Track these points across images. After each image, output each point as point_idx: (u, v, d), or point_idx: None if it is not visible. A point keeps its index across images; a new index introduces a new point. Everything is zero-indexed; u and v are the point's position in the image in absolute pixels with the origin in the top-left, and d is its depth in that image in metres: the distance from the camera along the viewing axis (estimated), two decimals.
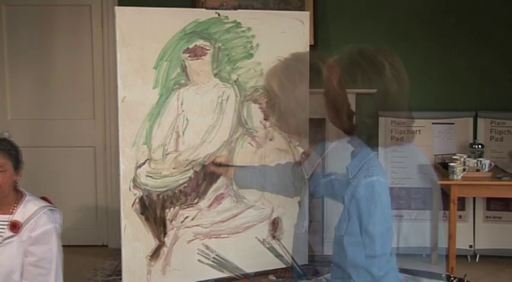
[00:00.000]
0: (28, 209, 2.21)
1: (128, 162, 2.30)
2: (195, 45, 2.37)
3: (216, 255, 1.82)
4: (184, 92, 2.37)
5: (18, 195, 2.25)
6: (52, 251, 2.22)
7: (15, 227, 2.18)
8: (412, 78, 4.09)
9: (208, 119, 2.42)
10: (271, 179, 2.19)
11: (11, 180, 2.20)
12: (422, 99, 4.15)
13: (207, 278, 2.44)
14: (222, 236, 2.47)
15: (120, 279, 2.38)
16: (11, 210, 2.21)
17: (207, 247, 1.84)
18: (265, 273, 2.47)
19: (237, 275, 1.80)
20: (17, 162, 2.22)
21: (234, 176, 2.28)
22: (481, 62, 4.11)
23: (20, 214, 2.20)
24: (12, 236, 2.18)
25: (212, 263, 1.81)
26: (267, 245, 1.98)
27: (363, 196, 1.56)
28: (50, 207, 2.26)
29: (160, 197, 2.36)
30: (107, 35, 4.10)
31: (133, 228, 2.33)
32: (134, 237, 2.33)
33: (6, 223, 2.19)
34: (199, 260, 1.82)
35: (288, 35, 2.50)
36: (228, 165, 2.32)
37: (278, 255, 2.58)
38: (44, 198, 2.35)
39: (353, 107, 1.80)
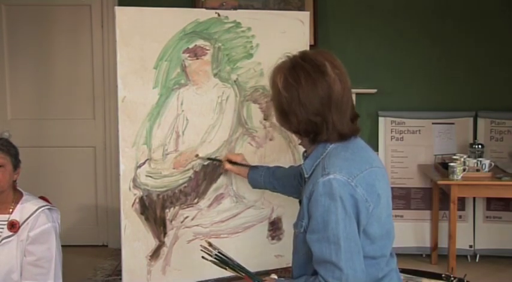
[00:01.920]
0: (26, 208, 2.22)
1: (128, 162, 2.30)
2: (195, 45, 2.37)
3: (219, 252, 1.81)
4: (184, 92, 2.37)
5: (16, 195, 2.25)
6: (51, 250, 2.22)
7: (13, 226, 2.18)
8: (412, 78, 4.15)
9: (208, 119, 2.41)
10: (283, 180, 2.17)
11: (10, 178, 2.20)
12: (422, 99, 4.15)
13: (207, 278, 2.44)
14: (222, 236, 2.47)
15: (120, 279, 2.38)
16: (9, 209, 2.22)
17: (210, 244, 1.83)
18: (265, 273, 2.47)
19: (240, 273, 1.78)
20: (16, 161, 2.22)
21: (247, 176, 2.27)
22: (481, 62, 4.12)
23: (18, 213, 2.20)
24: (10, 236, 2.18)
25: (215, 260, 1.79)
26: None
27: (318, 194, 1.53)
28: (48, 207, 2.26)
29: (160, 197, 2.36)
30: (107, 35, 4.11)
31: (133, 228, 2.33)
32: (134, 237, 2.33)
33: (4, 223, 2.19)
34: (202, 257, 1.80)
35: (288, 35, 2.50)
36: (243, 165, 2.32)
37: (278, 255, 2.58)
38: (42, 198, 2.35)
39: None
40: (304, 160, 1.71)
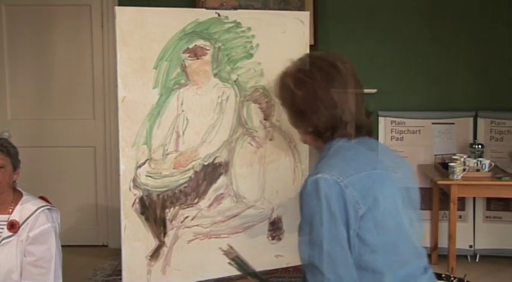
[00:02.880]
0: (26, 208, 2.21)
1: (128, 162, 2.30)
2: (195, 45, 2.37)
3: (236, 256, 1.82)
4: (184, 92, 2.37)
5: (16, 195, 2.25)
6: (51, 250, 2.21)
7: (13, 226, 2.18)
8: (412, 78, 4.15)
9: (208, 119, 2.41)
10: None
11: (10, 178, 2.20)
12: (422, 99, 4.15)
13: (207, 278, 2.45)
14: (222, 236, 2.47)
15: (120, 279, 2.38)
16: (9, 210, 2.21)
17: (231, 248, 1.84)
18: (265, 273, 2.47)
19: (254, 279, 1.80)
20: (15, 161, 2.22)
21: None
22: (481, 62, 4.12)
23: (18, 214, 2.20)
24: (10, 236, 2.18)
25: (233, 264, 1.81)
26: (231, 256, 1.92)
27: (305, 194, 1.48)
28: (48, 207, 2.26)
29: (160, 197, 2.36)
30: (107, 35, 4.11)
31: (133, 228, 2.33)
32: (134, 237, 2.33)
33: (4, 223, 2.19)
34: (229, 263, 1.83)
35: (288, 35, 2.50)
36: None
37: (278, 255, 2.58)
38: (42, 198, 2.34)
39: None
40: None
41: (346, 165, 1.51)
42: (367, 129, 1.61)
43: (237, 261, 1.82)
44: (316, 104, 1.54)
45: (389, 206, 1.52)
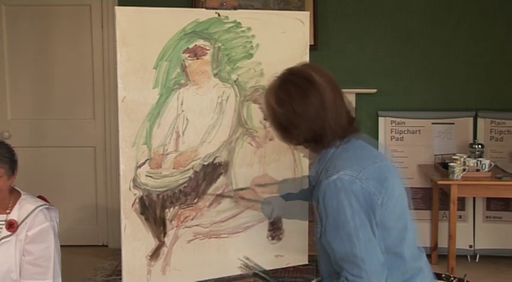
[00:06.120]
0: (24, 208, 2.21)
1: (128, 162, 2.30)
2: (195, 45, 2.37)
3: (256, 272, 1.87)
4: (184, 92, 2.37)
5: (14, 195, 2.24)
6: (49, 249, 2.21)
7: (11, 226, 2.17)
8: (412, 78, 4.15)
9: (208, 119, 2.42)
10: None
11: (7, 184, 2.17)
12: (422, 99, 4.15)
13: (207, 278, 2.45)
14: (222, 235, 2.48)
15: (120, 279, 2.38)
16: (7, 209, 2.21)
17: (247, 258, 1.89)
18: (264, 273, 2.47)
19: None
20: (10, 168, 2.17)
21: (278, 191, 2.26)
22: (481, 62, 4.12)
23: (16, 213, 2.19)
24: (9, 235, 2.17)
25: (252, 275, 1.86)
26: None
27: (325, 197, 1.58)
28: (46, 206, 2.25)
29: (160, 196, 2.36)
30: (107, 35, 4.11)
31: (133, 228, 2.33)
32: (134, 237, 2.33)
33: (2, 223, 2.18)
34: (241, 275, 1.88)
35: (288, 35, 2.51)
36: (272, 183, 2.28)
37: (278, 255, 2.58)
38: (40, 197, 2.34)
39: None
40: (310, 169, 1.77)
41: (351, 164, 1.62)
42: (350, 136, 1.70)
43: (260, 275, 1.89)
44: (297, 120, 1.64)
45: (397, 193, 1.66)
